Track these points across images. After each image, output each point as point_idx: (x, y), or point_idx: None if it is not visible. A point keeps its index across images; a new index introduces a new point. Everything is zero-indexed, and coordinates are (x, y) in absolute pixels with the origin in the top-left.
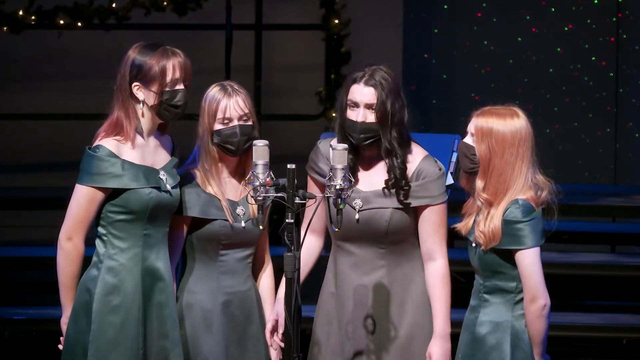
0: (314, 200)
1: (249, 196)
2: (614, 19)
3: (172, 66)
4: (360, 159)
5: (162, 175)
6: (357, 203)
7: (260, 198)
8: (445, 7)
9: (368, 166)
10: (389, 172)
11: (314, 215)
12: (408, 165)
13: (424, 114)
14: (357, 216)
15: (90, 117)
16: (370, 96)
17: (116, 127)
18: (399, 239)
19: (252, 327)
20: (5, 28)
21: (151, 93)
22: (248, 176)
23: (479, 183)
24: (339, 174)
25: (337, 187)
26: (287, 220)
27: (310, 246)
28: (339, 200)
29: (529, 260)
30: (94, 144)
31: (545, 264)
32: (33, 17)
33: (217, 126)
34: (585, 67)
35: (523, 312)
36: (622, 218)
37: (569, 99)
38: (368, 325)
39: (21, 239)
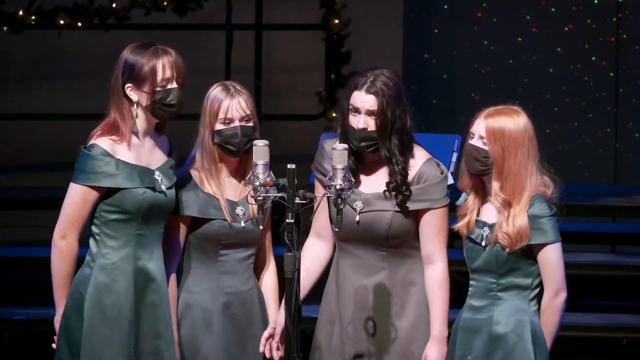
0: (316, 199)
1: (249, 196)
2: (614, 19)
3: (162, 65)
4: (362, 163)
5: (158, 175)
6: (358, 205)
7: (260, 198)
8: (445, 7)
9: (370, 169)
10: (390, 177)
11: (323, 220)
12: (409, 169)
13: (424, 114)
14: (357, 218)
15: (90, 117)
16: (371, 103)
17: (112, 127)
18: (400, 242)
19: (253, 327)
20: (5, 28)
21: (143, 94)
22: (248, 176)
23: (496, 184)
24: (339, 174)
25: (337, 187)
26: (287, 220)
27: (318, 253)
28: (339, 200)
29: (555, 255)
30: (89, 143)
31: None
32: (33, 17)
33: (218, 126)
34: (585, 67)
35: (537, 307)
36: (622, 218)
37: (569, 99)
38: (368, 327)
39: (21, 239)
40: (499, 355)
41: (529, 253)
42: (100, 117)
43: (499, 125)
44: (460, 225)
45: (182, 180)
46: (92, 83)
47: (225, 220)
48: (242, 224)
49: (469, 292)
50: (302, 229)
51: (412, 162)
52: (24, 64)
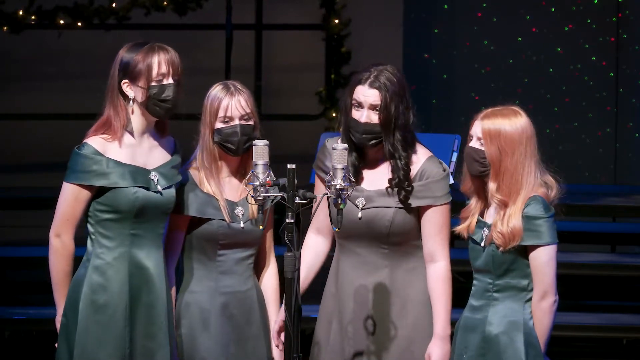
0: (317, 199)
1: (249, 196)
2: (614, 19)
3: (158, 61)
4: (364, 159)
5: (154, 175)
6: (360, 202)
7: (260, 198)
8: (445, 7)
9: (372, 166)
10: (392, 173)
11: (322, 216)
12: (412, 166)
13: (424, 114)
14: (359, 214)
15: (90, 117)
16: (375, 97)
17: (104, 125)
18: (402, 240)
19: (252, 327)
20: (5, 28)
21: (139, 89)
22: (248, 176)
23: (492, 185)
24: (339, 174)
25: (338, 186)
26: (287, 220)
27: (317, 247)
28: (339, 200)
29: (546, 257)
30: (82, 142)
31: None
32: (33, 17)
33: (218, 125)
34: (585, 67)
35: None
36: (622, 218)
37: (569, 99)
38: (369, 326)
39: (21, 239)
40: (491, 356)
41: (525, 254)
42: (98, 117)
43: (494, 126)
44: (460, 228)
45: (182, 180)
46: (92, 83)
47: (224, 220)
48: (241, 225)
49: (471, 291)
50: (302, 229)
51: (414, 158)
52: (24, 64)
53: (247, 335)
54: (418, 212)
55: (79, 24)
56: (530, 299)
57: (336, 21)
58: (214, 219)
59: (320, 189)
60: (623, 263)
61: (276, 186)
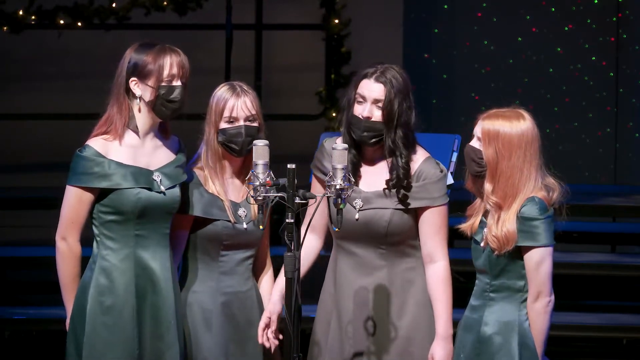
0: (315, 200)
1: (249, 196)
2: (614, 19)
3: (170, 63)
4: (363, 158)
5: (157, 176)
6: (358, 203)
7: (260, 198)
8: (445, 7)
9: (370, 166)
10: (391, 171)
11: (317, 215)
12: (410, 165)
13: (424, 114)
14: (357, 216)
15: (90, 117)
16: (379, 92)
17: (106, 123)
18: (399, 240)
19: (252, 328)
20: (5, 28)
21: (148, 87)
22: (248, 176)
23: (488, 186)
24: (339, 174)
25: (337, 186)
26: (287, 220)
27: (309, 245)
28: (339, 200)
29: (541, 258)
30: (83, 145)
31: None
32: (33, 17)
33: (223, 125)
34: (585, 67)
35: None
36: (622, 218)
37: (569, 99)
38: (368, 326)
39: (21, 239)
40: (485, 357)
41: (521, 255)
42: (100, 116)
43: (494, 128)
44: (464, 226)
45: (186, 180)
46: (92, 83)
47: (229, 221)
48: (245, 226)
49: (472, 291)
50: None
51: (413, 157)
52: (24, 64)
53: (248, 336)
54: (415, 213)
55: (79, 24)
56: (525, 300)
57: (336, 21)
58: (218, 220)
59: (316, 188)
60: (623, 263)
61: (276, 186)
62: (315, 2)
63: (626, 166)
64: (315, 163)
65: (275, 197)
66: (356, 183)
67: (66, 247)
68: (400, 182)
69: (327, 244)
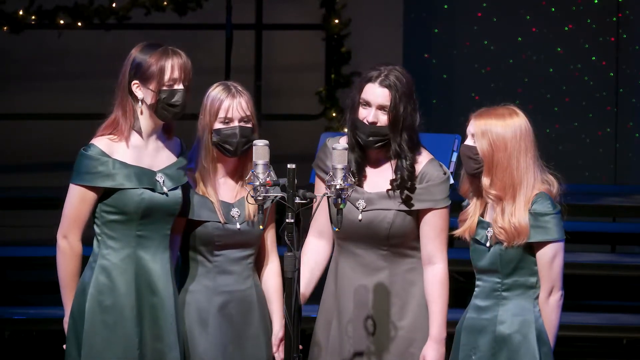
0: (316, 199)
1: (249, 196)
2: (614, 19)
3: (171, 66)
4: (367, 160)
5: (160, 177)
6: (361, 204)
7: (260, 198)
8: (445, 7)
9: (374, 168)
10: (395, 172)
11: (323, 219)
12: (415, 167)
13: (424, 114)
14: (360, 217)
15: (90, 117)
16: (384, 97)
17: (112, 125)
18: (401, 242)
19: (251, 327)
20: (5, 28)
21: (149, 91)
22: (248, 176)
23: (485, 180)
24: (339, 174)
25: (338, 186)
26: (287, 220)
27: (319, 252)
28: (339, 200)
29: (554, 253)
30: (88, 144)
31: None
32: (33, 17)
33: (218, 125)
34: (585, 67)
35: None
36: (623, 218)
37: (569, 99)
38: (368, 326)
39: (21, 239)
40: (504, 356)
41: (532, 251)
42: (101, 117)
43: (486, 123)
44: (460, 231)
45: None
46: (92, 83)
47: (219, 222)
48: (237, 226)
49: (474, 292)
50: (302, 229)
51: (417, 159)
52: (24, 64)
53: (246, 335)
54: (417, 215)
55: (79, 24)
56: (538, 297)
57: (336, 21)
58: (208, 221)
59: (320, 188)
60: (623, 263)
61: (276, 186)
62: (315, 2)
63: (626, 166)
64: (317, 162)
65: (275, 197)
66: (360, 184)
67: (67, 245)
68: (404, 184)
69: (334, 245)
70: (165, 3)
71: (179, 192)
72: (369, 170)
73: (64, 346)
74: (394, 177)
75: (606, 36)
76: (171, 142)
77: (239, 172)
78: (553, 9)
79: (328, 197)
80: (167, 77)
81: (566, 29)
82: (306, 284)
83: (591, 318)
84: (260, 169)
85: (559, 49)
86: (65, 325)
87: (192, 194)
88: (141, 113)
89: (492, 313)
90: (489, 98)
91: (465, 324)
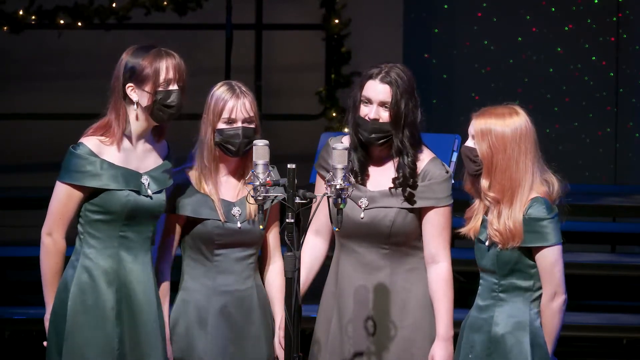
0: (316, 199)
1: (249, 196)
2: (614, 19)
3: (166, 67)
4: (370, 158)
5: (145, 179)
6: (363, 202)
7: (260, 198)
8: (445, 7)
9: (377, 166)
10: (397, 170)
11: (322, 217)
12: (417, 164)
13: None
14: (362, 215)
15: (90, 117)
16: (385, 94)
17: (104, 128)
18: (402, 240)
19: (251, 327)
20: (5, 28)
21: (145, 93)
22: (248, 176)
23: (484, 182)
24: (339, 174)
25: (338, 186)
26: (287, 220)
27: (316, 249)
28: (339, 200)
29: (553, 257)
30: (78, 142)
31: None
32: (33, 17)
33: (221, 125)
34: (585, 67)
35: (539, 310)
36: (623, 218)
37: (569, 99)
38: (368, 326)
39: (21, 239)
40: (497, 356)
41: (529, 255)
42: (99, 117)
43: (486, 123)
44: (466, 229)
45: (178, 179)
46: (92, 83)
47: (219, 220)
48: (238, 225)
49: (477, 291)
50: (302, 229)
51: (419, 156)
52: (24, 64)
53: (247, 335)
54: (419, 213)
55: (79, 24)
56: (535, 299)
57: (336, 21)
58: (208, 219)
59: (321, 188)
60: (623, 263)
61: (276, 186)
62: (315, 2)
63: (626, 166)
64: (320, 162)
65: (275, 197)
66: (363, 182)
67: (52, 242)
68: (406, 181)
69: (330, 244)
70: (165, 3)
71: (163, 196)
72: (371, 169)
73: (45, 343)
74: (396, 175)
75: (606, 36)
76: (159, 144)
77: (241, 171)
78: (553, 9)
79: (328, 197)
80: (162, 78)
81: (566, 29)
82: (303, 282)
83: (591, 318)
84: (260, 169)
85: (559, 49)
86: (47, 323)
87: (192, 193)
88: (136, 117)
89: (489, 313)
90: (489, 98)
91: (467, 323)
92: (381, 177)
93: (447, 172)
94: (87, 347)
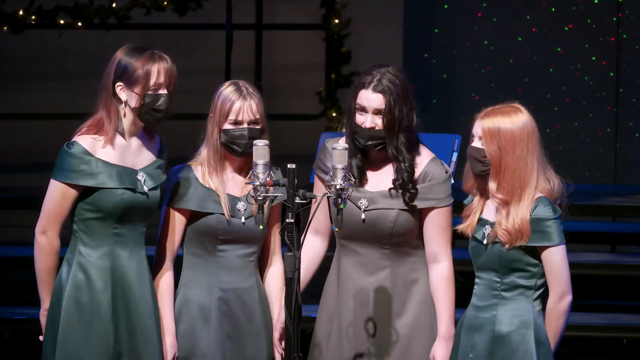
0: (316, 199)
1: (250, 195)
2: (614, 19)
3: (157, 70)
4: (368, 161)
5: (141, 176)
6: (363, 203)
7: (260, 198)
8: (446, 7)
9: (376, 168)
10: (396, 174)
11: (321, 217)
12: (415, 168)
13: (424, 114)
14: (363, 216)
15: (90, 117)
16: (379, 102)
17: (97, 125)
18: (403, 240)
19: (252, 325)
20: (5, 28)
21: (134, 94)
22: (248, 176)
23: (492, 184)
24: (339, 174)
25: (338, 186)
26: (287, 220)
27: (314, 248)
28: (339, 200)
29: (559, 257)
30: (71, 140)
31: None
32: (33, 17)
33: (227, 126)
34: (586, 67)
35: (541, 308)
36: (623, 218)
37: (569, 99)
38: (369, 326)
39: (21, 239)
40: (501, 355)
41: (532, 254)
42: (90, 115)
43: (494, 124)
44: (463, 226)
45: (182, 175)
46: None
47: (223, 215)
48: (243, 220)
49: (473, 291)
50: (302, 229)
51: (417, 160)
52: (24, 64)
53: (247, 333)
54: (420, 214)
55: (79, 23)
56: (537, 298)
57: (336, 21)
58: (213, 213)
59: (319, 189)
60: (623, 263)
61: (276, 186)
62: (315, 2)
63: (626, 166)
64: (317, 164)
65: (275, 196)
66: (362, 185)
67: (46, 241)
68: (405, 185)
69: (331, 244)
70: (165, 3)
71: (158, 192)
72: (370, 172)
73: (41, 338)
74: (395, 178)
75: (606, 36)
76: (152, 140)
77: (247, 167)
78: (553, 9)
79: (328, 197)
80: (152, 81)
81: (566, 29)
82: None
83: (591, 318)
84: (260, 169)
85: (559, 49)
86: (42, 319)
87: (196, 187)
88: (124, 116)
89: (490, 312)
90: (489, 98)
91: (464, 323)
92: (380, 179)
93: (447, 172)
94: (82, 345)
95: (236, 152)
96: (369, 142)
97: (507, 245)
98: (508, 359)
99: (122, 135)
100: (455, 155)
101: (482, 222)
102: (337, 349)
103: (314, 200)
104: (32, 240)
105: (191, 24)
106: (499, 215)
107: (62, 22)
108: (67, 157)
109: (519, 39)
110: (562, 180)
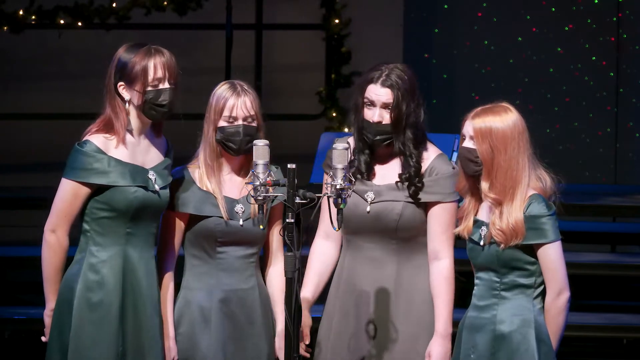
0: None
1: (249, 196)
2: (614, 19)
3: (154, 65)
4: (376, 155)
5: (152, 175)
6: (370, 196)
7: (260, 198)
8: (446, 7)
9: (383, 162)
10: (403, 168)
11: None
12: (422, 163)
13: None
14: (368, 208)
15: (90, 117)
16: (387, 96)
17: (106, 125)
18: (410, 235)
19: (253, 327)
20: (5, 28)
21: (135, 92)
22: (248, 176)
23: (484, 184)
24: (339, 174)
25: (338, 186)
26: (287, 220)
27: (327, 253)
28: (339, 200)
29: (555, 254)
30: (83, 139)
31: None
32: (33, 17)
33: (222, 123)
34: (586, 67)
35: (541, 306)
36: (623, 218)
37: (569, 99)
38: (375, 323)
39: (21, 238)
40: (503, 355)
41: (529, 252)
42: (97, 116)
43: (485, 124)
44: (459, 229)
45: (180, 178)
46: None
47: (221, 217)
48: (241, 222)
49: (473, 291)
50: (302, 229)
51: (424, 155)
52: (24, 64)
53: (248, 334)
54: (426, 208)
55: (79, 23)
56: (537, 296)
57: (336, 21)
58: (211, 216)
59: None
60: (623, 263)
61: (276, 186)
62: (315, 2)
63: (627, 166)
64: (327, 162)
65: (275, 196)
66: (370, 179)
67: (55, 239)
68: (412, 179)
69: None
70: (165, 3)
71: (167, 192)
72: (378, 167)
73: (43, 338)
74: (401, 172)
75: (606, 36)
76: (159, 140)
77: (245, 169)
78: (553, 9)
79: (328, 197)
80: (151, 77)
81: (566, 29)
82: (314, 289)
83: (591, 318)
84: (260, 169)
85: (559, 49)
86: (47, 319)
87: (194, 190)
88: (128, 114)
89: (491, 312)
90: (489, 98)
91: (465, 323)
92: (387, 172)
93: (454, 167)
94: (93, 344)
95: (232, 150)
96: (377, 137)
97: (502, 245)
98: (510, 358)
99: (131, 133)
100: (455, 155)
101: (478, 223)
102: (342, 345)
103: (321, 203)
104: (32, 240)
105: (191, 24)
106: (492, 215)
107: (62, 22)
108: (79, 156)
109: (519, 39)
110: (553, 178)
